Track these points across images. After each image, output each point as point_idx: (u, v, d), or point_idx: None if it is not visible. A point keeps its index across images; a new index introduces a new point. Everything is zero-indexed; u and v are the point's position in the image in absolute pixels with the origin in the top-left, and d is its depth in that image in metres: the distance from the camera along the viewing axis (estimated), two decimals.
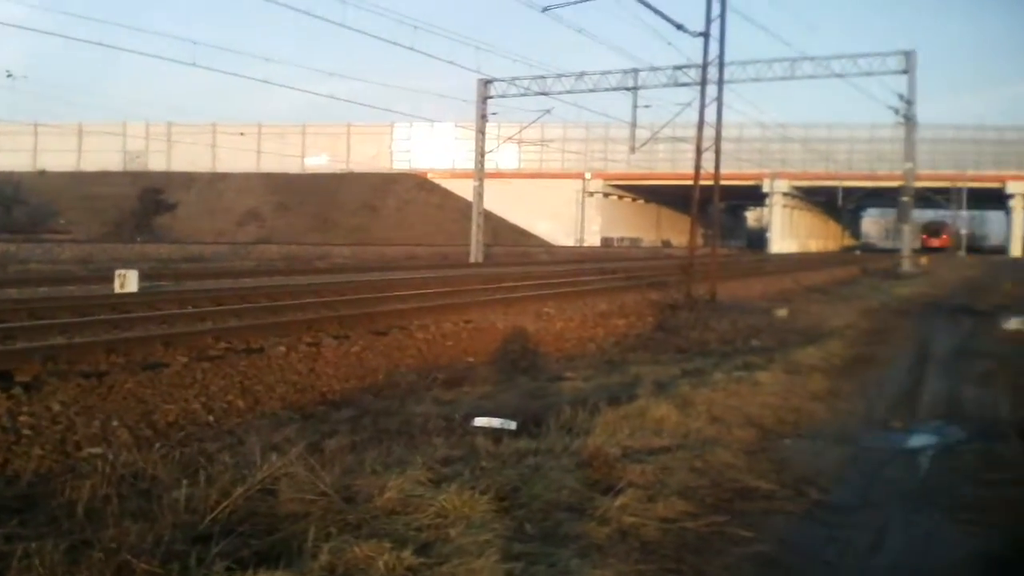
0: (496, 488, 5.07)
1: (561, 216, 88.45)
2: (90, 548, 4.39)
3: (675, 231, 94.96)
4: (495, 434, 6.98)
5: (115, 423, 8.23)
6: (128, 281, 21.08)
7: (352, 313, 15.41)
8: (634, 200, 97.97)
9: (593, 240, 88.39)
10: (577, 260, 49.89)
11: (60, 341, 11.30)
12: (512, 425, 7.39)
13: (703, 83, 22.81)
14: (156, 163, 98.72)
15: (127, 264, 26.78)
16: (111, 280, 20.92)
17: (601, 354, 14.05)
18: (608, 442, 6.11)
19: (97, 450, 7.45)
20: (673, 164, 78.61)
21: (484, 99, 47.90)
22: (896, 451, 7.12)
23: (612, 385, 9.97)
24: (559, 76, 46.48)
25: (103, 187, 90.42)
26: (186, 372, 10.07)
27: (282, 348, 11.70)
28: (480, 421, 7.48)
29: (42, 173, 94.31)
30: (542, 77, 46.37)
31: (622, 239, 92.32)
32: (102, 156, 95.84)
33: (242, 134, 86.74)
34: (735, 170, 74.43)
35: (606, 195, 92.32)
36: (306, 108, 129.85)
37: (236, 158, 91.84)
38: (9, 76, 52.65)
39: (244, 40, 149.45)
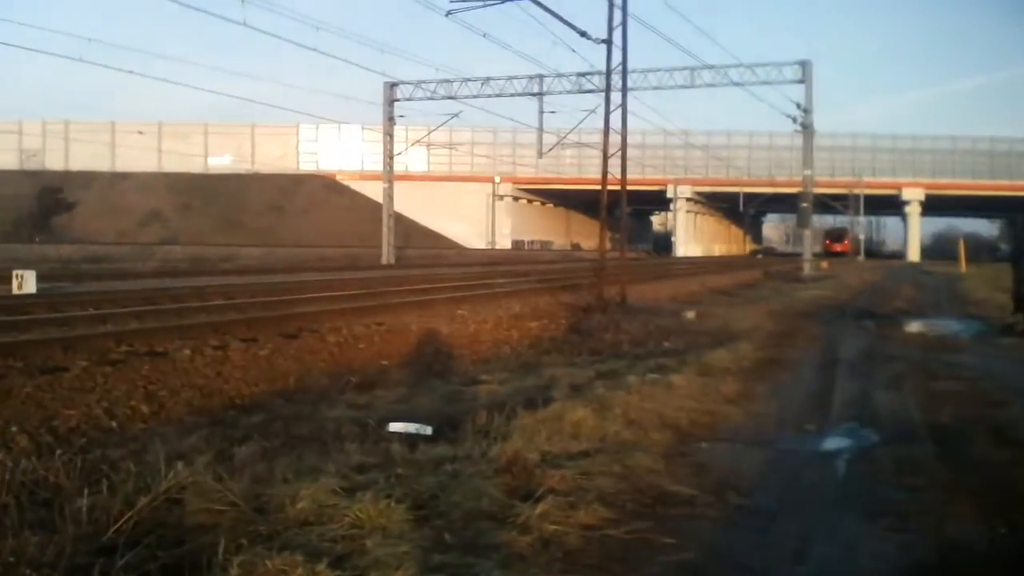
0: (413, 497, 4.93)
1: (472, 219, 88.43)
2: None
3: (584, 234, 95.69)
4: (410, 440, 6.83)
5: (14, 429, 7.84)
6: (26, 282, 20.38)
7: (261, 316, 15.04)
8: (543, 204, 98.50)
9: (504, 243, 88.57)
10: (489, 263, 49.88)
11: None
12: (428, 430, 7.24)
13: (607, 90, 23.01)
14: (54, 162, 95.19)
15: (26, 265, 25.78)
16: (8, 281, 20.13)
17: (516, 356, 13.99)
18: (526, 447, 6.01)
19: None
20: (580, 169, 79.42)
21: (391, 102, 47.75)
22: (812, 454, 7.17)
23: (528, 388, 9.88)
24: (465, 80, 46.64)
25: None
26: (87, 376, 9.65)
27: (187, 352, 11.30)
28: (395, 426, 7.31)
29: None
30: (448, 81, 46.46)
31: (532, 242, 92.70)
32: None
33: (141, 132, 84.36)
34: (640, 176, 75.57)
35: (516, 199, 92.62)
36: (210, 108, 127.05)
37: (137, 157, 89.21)
38: None
39: (142, 38, 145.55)
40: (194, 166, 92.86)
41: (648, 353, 13.10)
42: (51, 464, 5.96)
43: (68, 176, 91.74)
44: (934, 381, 10.65)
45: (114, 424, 8.42)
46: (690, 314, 18.40)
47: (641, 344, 14.62)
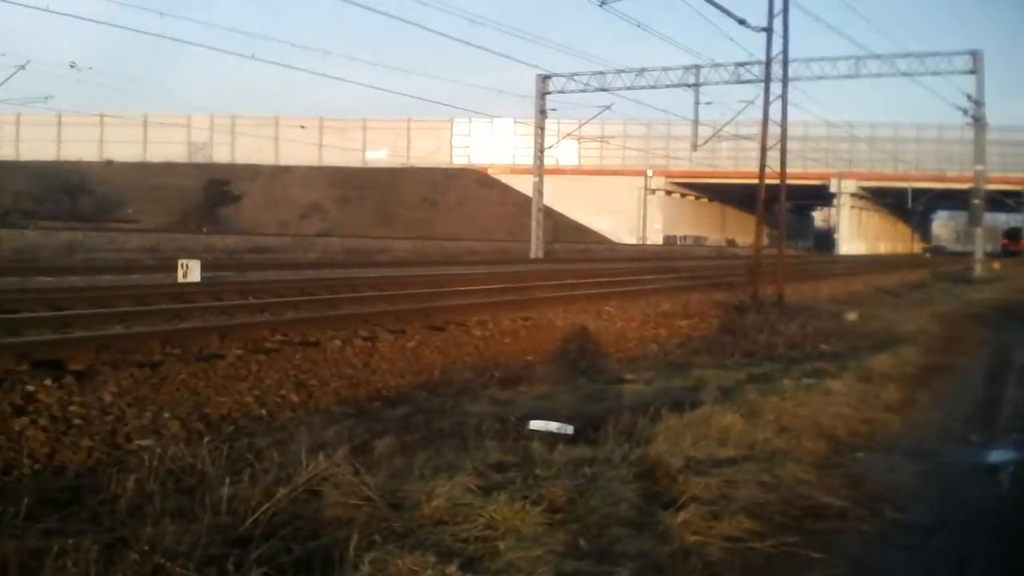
0: (550, 499, 4.79)
1: (623, 213, 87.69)
2: (127, 548, 4.21)
3: (740, 230, 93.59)
4: (551, 439, 6.69)
5: (167, 415, 8.09)
6: (191, 271, 21.22)
7: (410, 308, 15.23)
8: (697, 198, 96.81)
9: (655, 238, 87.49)
10: (639, 258, 49.37)
11: (117, 330, 11.28)
12: (569, 430, 7.08)
13: (767, 80, 22.23)
14: (220, 155, 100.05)
15: (193, 254, 27.02)
16: (175, 270, 21.06)
17: (663, 356, 13.67)
18: (670, 452, 5.78)
19: (147, 442, 7.31)
20: (736, 162, 77.40)
21: (542, 95, 47.59)
22: (975, 467, 6.69)
23: (674, 389, 9.60)
24: (619, 72, 45.95)
25: (169, 178, 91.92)
26: (241, 364, 9.93)
27: (338, 342, 11.53)
28: (536, 424, 7.18)
29: (108, 163, 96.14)
30: (601, 73, 45.90)
31: (685, 237, 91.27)
32: (167, 147, 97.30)
33: (303, 127, 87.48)
34: (801, 169, 73.19)
35: (668, 193, 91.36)
36: (366, 103, 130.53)
37: (298, 151, 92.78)
38: (72, 67, 53.69)
39: (302, 34, 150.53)
40: (352, 160, 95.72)
41: (804, 356, 12.56)
42: (199, 451, 6.11)
43: (234, 169, 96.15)
44: None
45: (264, 412, 8.61)
46: (851, 315, 17.61)
47: (797, 346, 14.04)
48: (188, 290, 18.19)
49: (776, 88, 22.30)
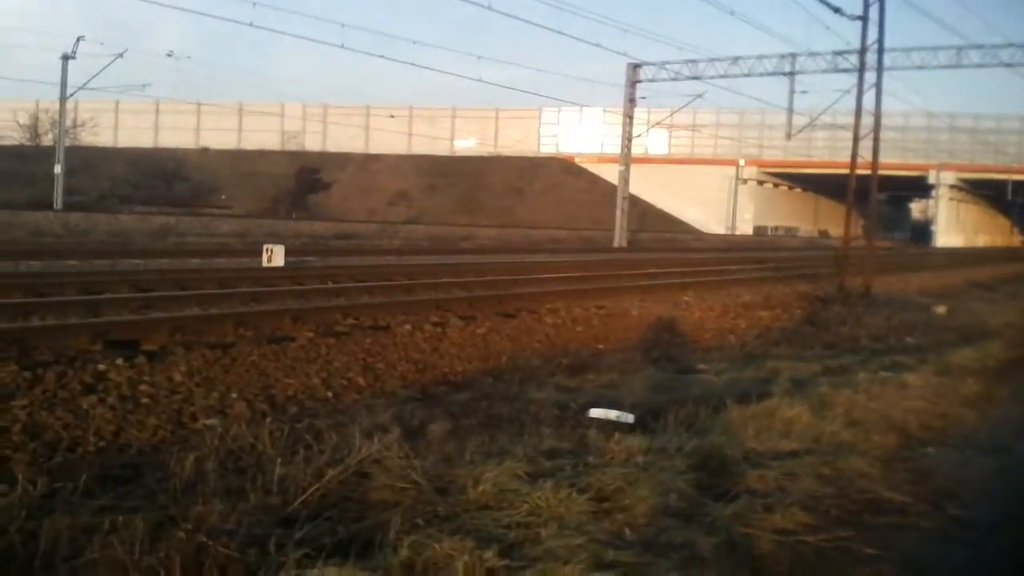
0: (598, 487, 4.71)
1: (712, 203, 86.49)
2: (175, 526, 4.27)
3: (833, 222, 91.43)
4: (610, 427, 6.61)
5: (234, 395, 8.21)
6: (275, 255, 21.60)
7: (483, 294, 15.24)
8: (790, 188, 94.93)
9: (745, 229, 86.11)
10: (725, 249, 48.62)
11: (193, 312, 11.52)
12: (629, 418, 6.98)
13: (861, 68, 21.64)
14: (312, 143, 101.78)
15: (281, 239, 27.53)
16: (261, 254, 21.48)
17: (740, 347, 13.39)
18: (728, 443, 5.65)
19: (212, 422, 7.42)
20: (832, 152, 75.58)
21: (633, 83, 47.17)
22: None
23: (746, 380, 9.40)
24: (712, 60, 45.30)
25: (262, 165, 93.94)
26: (311, 347, 10.04)
27: (408, 327, 11.58)
28: (596, 412, 7.10)
29: (204, 151, 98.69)
30: (693, 61, 45.30)
31: (776, 228, 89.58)
32: (261, 135, 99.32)
33: (392, 116, 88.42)
34: (900, 160, 71.18)
35: (760, 183, 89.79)
36: (455, 92, 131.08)
37: (388, 140, 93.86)
38: (170, 55, 55.39)
39: (392, 22, 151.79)
40: (441, 149, 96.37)
41: (887, 349, 12.21)
42: (260, 432, 6.19)
43: (325, 157, 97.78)
44: None
45: (330, 394, 8.67)
46: (940, 309, 17.05)
47: (880, 339, 13.66)
48: (270, 274, 18.53)
49: (871, 77, 21.71)
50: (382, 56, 40.36)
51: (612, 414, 7.02)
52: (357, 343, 10.49)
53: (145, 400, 7.70)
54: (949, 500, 5.22)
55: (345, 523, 4.40)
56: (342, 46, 35.74)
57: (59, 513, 4.35)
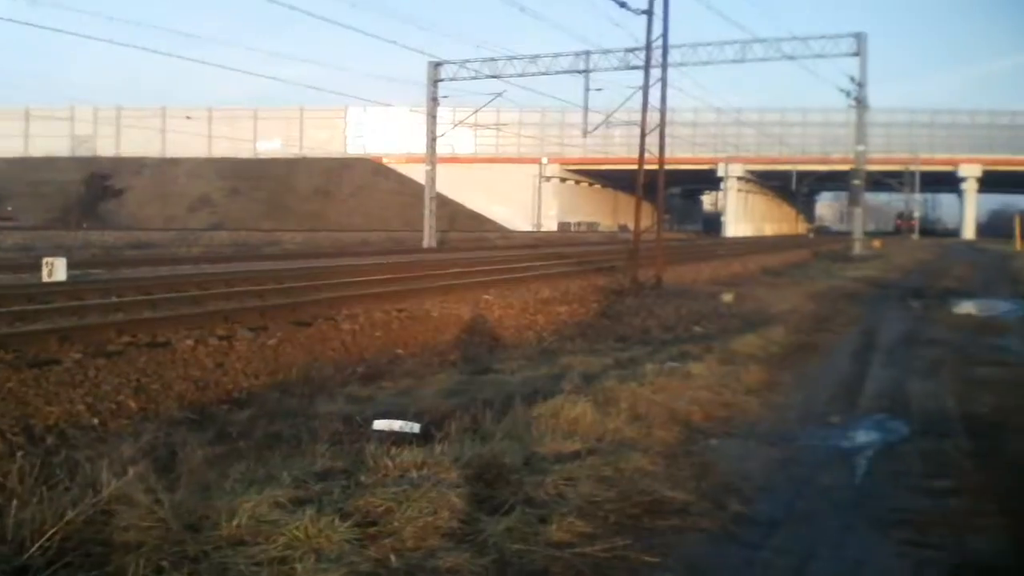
0: (366, 510, 4.40)
1: (518, 201, 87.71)
2: None
3: (632, 216, 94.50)
4: (395, 439, 6.33)
5: None
6: (56, 270, 20.18)
7: (277, 303, 14.64)
8: (591, 185, 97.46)
9: (550, 225, 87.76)
10: (530, 245, 49.27)
11: None
12: (416, 428, 6.72)
13: (647, 63, 22.26)
14: (105, 148, 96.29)
15: (69, 251, 25.81)
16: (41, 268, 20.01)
17: (538, 343, 13.45)
18: (508, 449, 5.46)
19: None
20: (629, 149, 77.72)
21: (434, 82, 47.16)
22: (832, 452, 6.52)
23: (539, 378, 9.34)
24: (510, 59, 45.75)
25: (50, 173, 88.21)
26: (78, 369, 9.29)
27: (190, 342, 10.91)
28: (380, 424, 6.80)
29: None
30: (493, 60, 45.65)
31: (579, 224, 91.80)
32: (50, 141, 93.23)
33: (189, 118, 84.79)
34: (690, 154, 74.35)
35: (563, 180, 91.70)
36: (256, 92, 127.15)
37: (187, 143, 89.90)
38: None
39: (185, 21, 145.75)
40: (243, 151, 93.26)
41: (675, 338, 12.49)
42: (9, 467, 5.57)
43: (119, 162, 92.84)
44: (976, 367, 9.94)
45: (96, 421, 8.01)
46: (727, 297, 17.69)
47: (671, 329, 14.00)
48: (48, 290, 17.19)
49: (658, 72, 22.33)
50: (178, 56, 38.42)
51: (397, 425, 6.74)
52: (131, 362, 9.78)
53: None
54: (731, 496, 5.22)
55: (86, 569, 3.95)
56: (129, 45, 33.83)
57: None
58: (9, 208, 77.46)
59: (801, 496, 5.42)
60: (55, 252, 24.06)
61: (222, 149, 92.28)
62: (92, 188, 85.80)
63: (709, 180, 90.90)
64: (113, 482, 4.68)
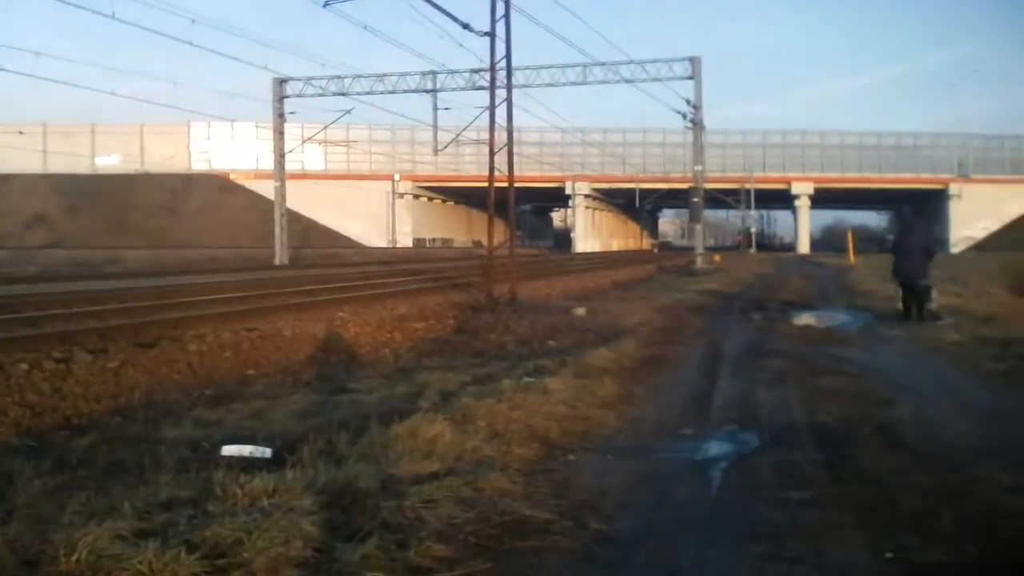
0: (214, 541, 4.20)
1: (372, 217, 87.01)
2: None
3: (486, 232, 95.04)
4: (244, 465, 6.10)
5: None
6: None
7: (118, 323, 13.98)
8: (444, 202, 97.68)
9: (405, 241, 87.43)
10: (386, 262, 48.89)
11: None
12: (267, 452, 6.51)
13: (492, 84, 22.45)
14: None
15: None
16: None
17: (395, 361, 13.30)
18: (364, 472, 5.34)
19: None
20: (479, 166, 78.38)
21: (280, 98, 46.53)
22: (687, 464, 6.64)
23: (397, 396, 9.22)
24: (357, 77, 45.68)
25: None
26: None
27: (24, 366, 10.27)
28: (229, 450, 6.55)
29: None
30: (340, 77, 45.44)
31: (434, 240, 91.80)
32: None
33: (22, 132, 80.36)
34: (538, 172, 75.51)
35: (416, 197, 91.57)
36: (91, 108, 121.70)
37: (20, 158, 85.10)
38: None
39: (13, 34, 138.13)
40: (81, 167, 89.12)
41: (531, 353, 12.56)
42: None
43: None
44: (819, 377, 10.32)
45: None
46: (580, 311, 17.97)
47: (526, 344, 14.09)
48: None
49: (503, 93, 22.54)
50: (7, 70, 36.06)
51: (247, 450, 6.51)
52: None
53: None
54: (591, 513, 5.22)
55: None
56: None
57: None
58: None
59: (660, 510, 5.48)
60: None
61: (58, 165, 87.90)
62: None
63: (558, 198, 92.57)
64: None
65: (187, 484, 5.34)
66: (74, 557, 3.98)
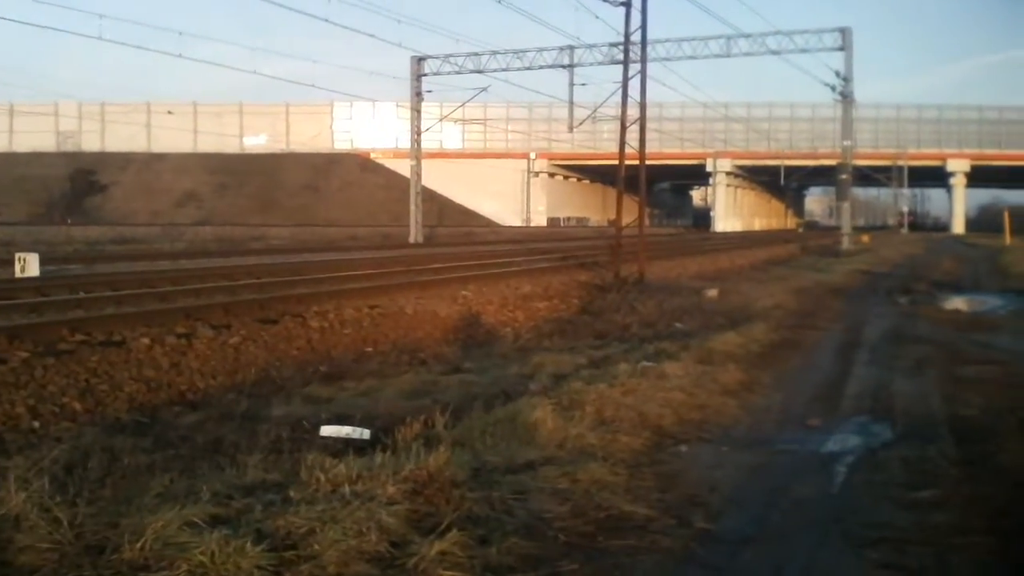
0: (286, 531, 3.97)
1: (507, 196, 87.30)
2: None
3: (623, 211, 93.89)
4: (342, 447, 5.91)
5: None
6: (28, 265, 19.74)
7: (245, 299, 14.17)
8: (579, 180, 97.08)
9: (540, 220, 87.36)
10: (517, 241, 48.83)
11: None
12: (365, 434, 6.31)
13: (626, 55, 21.82)
14: (90, 143, 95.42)
15: (50, 247, 25.31)
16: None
17: (514, 340, 13.03)
18: (456, 459, 5.03)
19: None
20: (616, 143, 77.50)
21: (418, 77, 46.66)
22: (810, 458, 6.12)
23: (507, 378, 8.96)
24: (494, 53, 45.36)
25: (35, 168, 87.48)
26: (24, 369, 8.81)
27: (146, 340, 10.42)
28: (327, 430, 6.37)
29: None
30: (476, 54, 45.29)
31: (569, 219, 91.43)
32: (35, 137, 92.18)
33: (170, 112, 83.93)
34: (678, 149, 74.03)
35: (551, 175, 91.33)
36: (240, 88, 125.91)
37: (172, 138, 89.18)
38: None
39: (161, 17, 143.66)
40: (230, 146, 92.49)
41: (655, 336, 12.07)
42: None
43: (104, 157, 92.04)
44: (964, 365, 9.53)
45: (36, 424, 7.57)
46: (711, 292, 17.30)
47: (651, 325, 13.58)
48: (16, 286, 16.72)
49: (639, 66, 21.87)
50: (162, 52, 37.58)
51: (345, 431, 6.32)
52: (81, 362, 9.31)
53: None
54: (697, 510, 4.80)
55: None
56: (100, 38, 33.26)
57: None
58: None
59: (773, 509, 5.00)
60: (35, 247, 23.63)
61: (208, 144, 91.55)
62: (77, 183, 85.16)
63: (698, 175, 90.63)
64: (19, 497, 4.27)
65: (275, 466, 5.17)
66: (139, 544, 3.80)
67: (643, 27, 21.26)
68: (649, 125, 21.57)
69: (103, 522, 4.10)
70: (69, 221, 63.67)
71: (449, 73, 46.84)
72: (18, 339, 9.89)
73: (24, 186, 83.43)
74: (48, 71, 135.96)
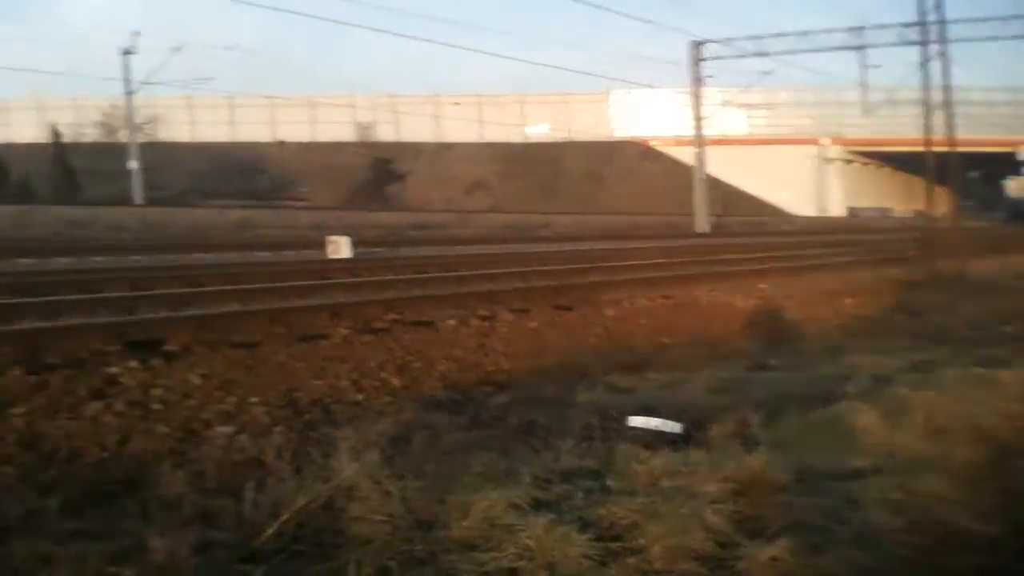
0: (609, 522, 3.91)
1: (798, 184, 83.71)
2: (130, 561, 3.68)
3: (927, 201, 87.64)
4: (653, 439, 5.80)
5: (254, 399, 7.63)
6: (341, 247, 21.27)
7: (539, 285, 14.47)
8: (880, 167, 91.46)
9: (837, 210, 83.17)
10: (813, 232, 46.83)
11: (228, 308, 10.97)
12: (677, 428, 6.13)
13: (923, 35, 20.15)
14: (384, 134, 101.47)
15: (357, 230, 27.18)
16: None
17: (820, 339, 12.39)
18: (778, 461, 4.77)
19: (227, 429, 6.87)
20: (917, 128, 72.36)
21: (697, 62, 45.59)
22: None
23: (820, 379, 8.44)
24: (777, 36, 43.48)
25: (337, 157, 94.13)
26: (344, 345, 9.44)
27: (452, 322, 10.87)
28: (636, 421, 6.26)
29: (281, 144, 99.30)
30: (758, 37, 43.60)
31: (868, 209, 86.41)
32: (334, 127, 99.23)
33: (457, 104, 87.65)
34: (985, 136, 68.05)
35: (847, 162, 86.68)
36: (516, 77, 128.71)
37: (459, 128, 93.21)
38: (230, 49, 55.90)
39: (441, 8, 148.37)
40: (513, 136, 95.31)
41: (982, 340, 11.04)
42: (267, 442, 5.62)
43: (399, 147, 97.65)
44: None
45: (360, 397, 8.05)
46: None
47: (975, 328, 12.46)
48: (330, 267, 18.08)
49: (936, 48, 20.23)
50: (448, 44, 38.95)
51: (654, 423, 6.18)
52: (396, 340, 9.84)
53: (157, 406, 7.15)
54: None
55: (315, 561, 3.76)
56: (400, 34, 35.17)
57: (25, 536, 3.96)
58: (304, 190, 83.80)
59: None
60: (344, 231, 25.47)
61: (493, 134, 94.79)
62: (377, 172, 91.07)
63: (1009, 163, 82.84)
64: (349, 469, 4.50)
65: (589, 454, 5.14)
66: (466, 523, 3.89)
67: (940, 8, 19.59)
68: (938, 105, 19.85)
69: (431, 497, 4.22)
70: (372, 207, 68.32)
71: (729, 57, 45.56)
72: (338, 316, 10.61)
73: (328, 174, 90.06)
74: (341, 64, 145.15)
